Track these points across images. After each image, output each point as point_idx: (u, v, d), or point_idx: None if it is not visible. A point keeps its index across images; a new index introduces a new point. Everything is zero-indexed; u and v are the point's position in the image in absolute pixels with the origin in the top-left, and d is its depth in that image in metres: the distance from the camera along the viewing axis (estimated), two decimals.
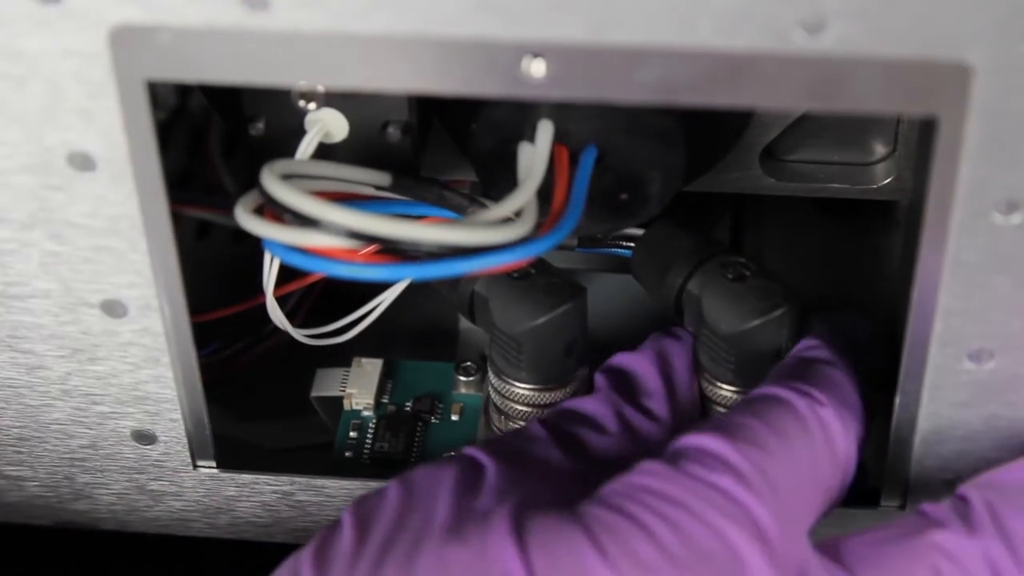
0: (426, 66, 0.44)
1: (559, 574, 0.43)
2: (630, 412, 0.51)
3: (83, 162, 0.47)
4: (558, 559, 0.43)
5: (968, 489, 0.48)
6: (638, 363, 0.53)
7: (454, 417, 0.58)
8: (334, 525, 0.46)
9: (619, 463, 0.47)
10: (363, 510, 0.46)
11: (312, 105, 0.51)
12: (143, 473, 0.56)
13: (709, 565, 0.43)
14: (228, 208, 0.50)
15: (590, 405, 0.51)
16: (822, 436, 0.48)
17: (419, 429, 0.58)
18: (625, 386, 0.53)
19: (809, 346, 0.52)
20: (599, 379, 0.53)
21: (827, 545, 0.47)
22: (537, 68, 0.43)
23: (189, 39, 0.44)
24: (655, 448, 0.48)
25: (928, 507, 0.48)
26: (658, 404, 0.52)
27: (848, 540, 0.47)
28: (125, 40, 0.44)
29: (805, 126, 0.54)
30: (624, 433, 0.51)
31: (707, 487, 0.45)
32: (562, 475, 0.48)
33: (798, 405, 0.48)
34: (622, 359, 0.54)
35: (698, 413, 0.54)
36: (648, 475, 0.45)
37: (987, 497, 0.47)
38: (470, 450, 0.48)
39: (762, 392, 0.49)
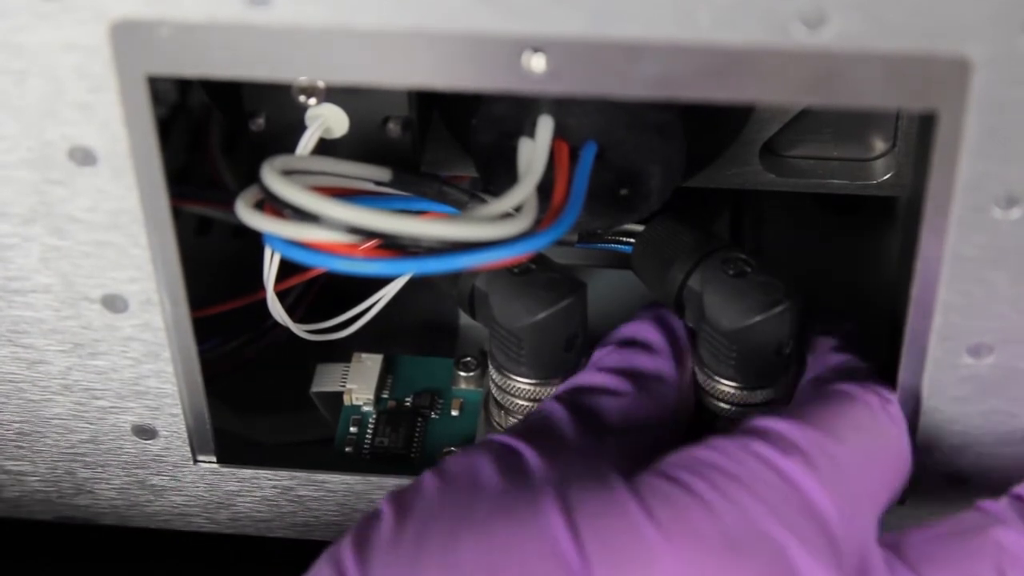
0: (426, 61, 0.44)
1: (609, 540, 0.42)
2: (639, 372, 0.51)
3: (84, 157, 0.47)
4: (607, 524, 0.42)
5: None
6: (638, 328, 0.53)
7: (454, 412, 0.58)
8: (372, 513, 0.46)
9: (641, 423, 0.47)
10: (401, 497, 0.46)
11: (312, 101, 0.51)
12: (144, 468, 0.56)
13: (762, 548, 0.43)
14: (228, 204, 0.50)
15: (599, 377, 0.51)
16: (894, 432, 0.48)
17: (419, 424, 0.58)
18: (629, 351, 0.53)
19: (845, 356, 0.52)
20: (599, 351, 0.53)
21: (887, 541, 0.47)
22: (537, 62, 0.43)
23: (190, 33, 0.44)
24: (671, 403, 0.48)
25: (987, 504, 0.48)
26: (665, 361, 0.52)
27: (909, 536, 0.47)
28: (126, 34, 0.44)
29: (805, 122, 0.55)
30: (639, 392, 0.51)
31: (772, 470, 0.44)
32: (591, 449, 0.47)
33: (870, 400, 0.48)
34: (622, 330, 0.54)
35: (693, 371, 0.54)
36: (713, 450, 0.45)
37: None
38: (498, 437, 0.48)
39: (833, 388, 0.49)
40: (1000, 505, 0.47)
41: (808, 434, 0.45)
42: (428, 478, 0.47)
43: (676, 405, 0.52)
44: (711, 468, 0.44)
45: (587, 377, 0.52)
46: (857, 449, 0.46)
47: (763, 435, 0.46)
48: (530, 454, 0.47)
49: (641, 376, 0.51)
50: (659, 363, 0.52)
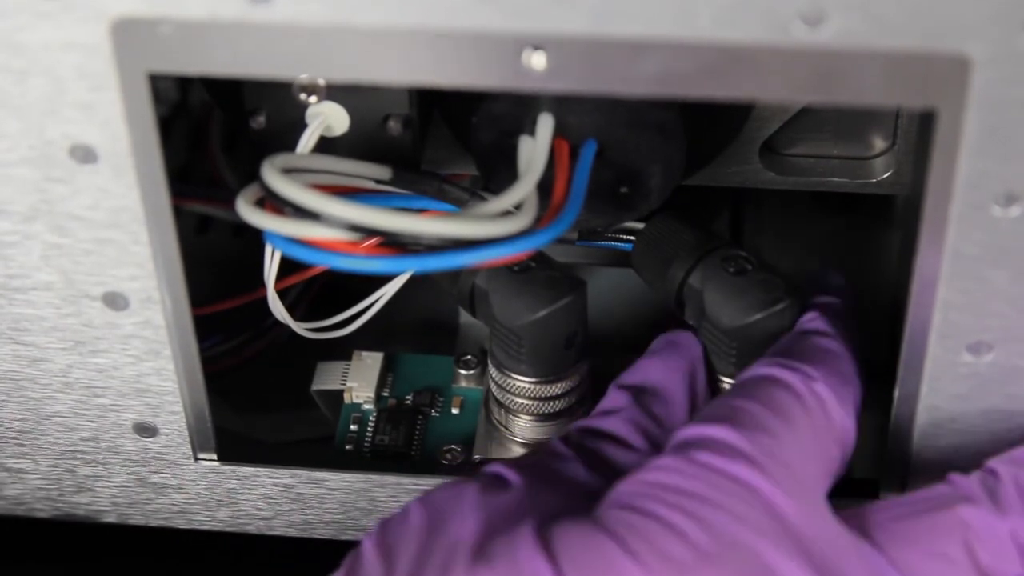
0: (427, 59, 0.44)
1: None
2: (653, 427, 0.51)
3: (85, 155, 0.47)
4: (589, 567, 0.42)
5: (998, 464, 0.48)
6: (663, 376, 0.52)
7: (454, 410, 0.58)
8: (357, 555, 0.45)
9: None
10: (386, 538, 0.45)
11: (313, 99, 0.51)
12: (144, 466, 0.56)
13: (736, 555, 0.43)
14: (229, 202, 0.50)
15: (612, 423, 0.51)
16: (820, 411, 0.47)
17: (419, 422, 0.58)
18: (647, 401, 0.52)
19: (807, 319, 0.51)
20: (620, 395, 0.52)
21: (852, 516, 0.46)
22: (538, 60, 0.44)
23: (191, 31, 0.44)
24: None
25: (957, 478, 0.47)
26: (680, 417, 0.51)
27: (874, 512, 0.47)
28: (127, 32, 0.44)
29: (804, 120, 0.55)
30: (648, 449, 0.50)
31: (724, 477, 0.44)
32: (588, 492, 0.47)
33: (793, 382, 0.48)
34: (646, 372, 0.52)
35: None
36: (662, 471, 0.45)
37: (1017, 474, 0.47)
38: (494, 467, 0.48)
39: (755, 374, 0.49)
40: (970, 480, 0.47)
41: (746, 436, 0.45)
42: (414, 512, 0.46)
43: None
44: (666, 490, 0.44)
45: (600, 422, 0.51)
46: (792, 437, 0.46)
47: (703, 445, 0.45)
48: (519, 486, 0.47)
49: (655, 430, 0.51)
50: (676, 417, 0.51)
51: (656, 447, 0.50)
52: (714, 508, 0.44)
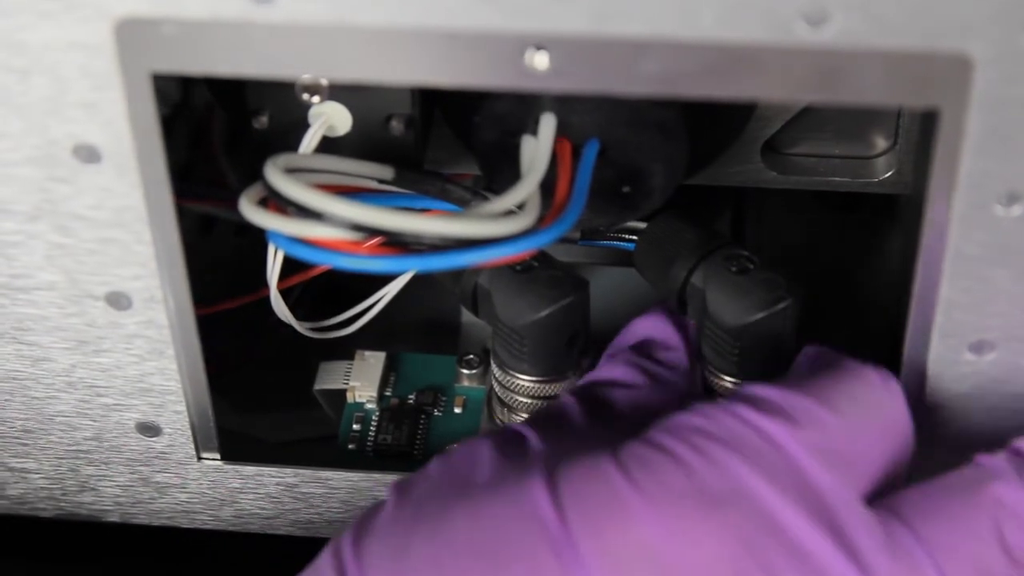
0: (429, 58, 0.44)
1: (588, 501, 0.43)
2: (653, 366, 0.52)
3: (88, 154, 0.47)
4: (586, 488, 0.43)
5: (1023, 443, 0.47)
6: (652, 324, 0.53)
7: (457, 410, 0.58)
8: (377, 504, 0.46)
9: (653, 411, 0.47)
10: (405, 484, 0.46)
11: (316, 98, 0.51)
12: (147, 465, 0.56)
13: (741, 502, 0.43)
14: (231, 202, 0.50)
15: (614, 371, 0.52)
16: (893, 407, 0.47)
17: (422, 421, 0.58)
18: (644, 346, 0.53)
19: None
20: (616, 348, 0.53)
21: (883, 501, 0.46)
22: (540, 60, 0.44)
23: (194, 31, 0.44)
24: (685, 393, 0.49)
25: (984, 458, 0.47)
26: (677, 355, 0.52)
27: (903, 493, 0.46)
28: (130, 32, 0.44)
29: (806, 119, 0.55)
30: (652, 384, 0.51)
31: (751, 428, 0.44)
32: (599, 437, 0.48)
33: (869, 375, 0.48)
34: (636, 326, 0.54)
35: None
36: (696, 414, 0.45)
37: None
38: (509, 426, 0.49)
39: (833, 359, 0.49)
40: (998, 460, 0.47)
41: (797, 399, 0.45)
42: (433, 464, 0.47)
43: (687, 393, 0.52)
44: (692, 431, 0.45)
45: (602, 372, 0.52)
46: (850, 419, 0.46)
47: (750, 400, 0.46)
48: (532, 437, 0.47)
49: (655, 368, 0.52)
50: (673, 355, 0.52)
51: (660, 383, 0.51)
52: (729, 452, 0.44)
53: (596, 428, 0.49)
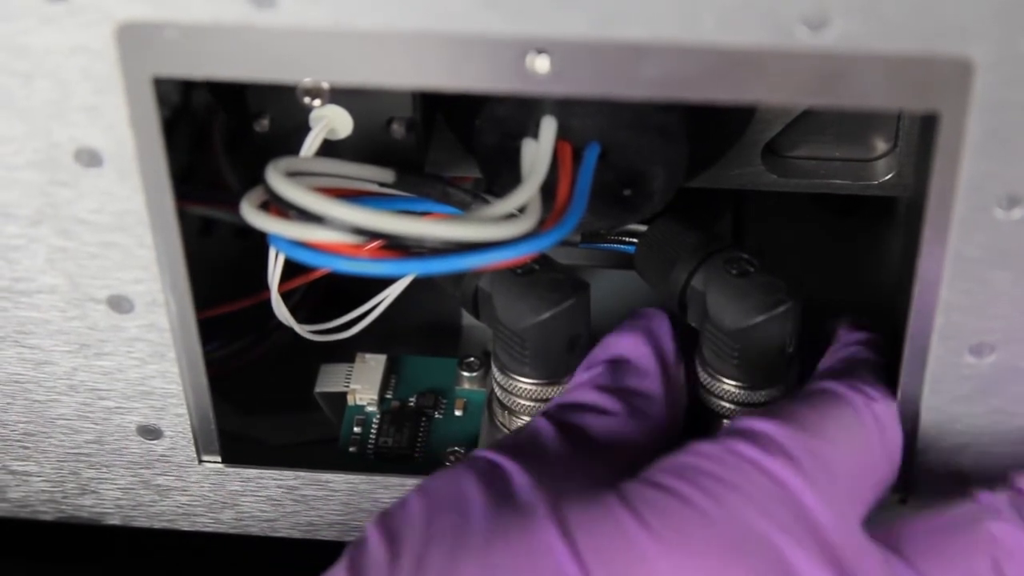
0: (431, 62, 0.44)
1: (606, 553, 0.42)
2: (627, 394, 0.51)
3: (90, 158, 0.47)
4: (603, 538, 0.43)
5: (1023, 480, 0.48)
6: (626, 345, 0.53)
7: (457, 412, 0.58)
8: (360, 542, 0.45)
9: (630, 441, 0.47)
10: (388, 522, 0.45)
11: (317, 102, 0.51)
12: (149, 468, 0.56)
13: (754, 546, 0.43)
14: (232, 205, 0.50)
15: (587, 395, 0.51)
16: (876, 429, 0.48)
17: (423, 424, 0.58)
18: (618, 371, 0.52)
19: (853, 345, 0.52)
20: (590, 368, 0.53)
21: (881, 529, 0.47)
22: (541, 64, 0.44)
23: (196, 35, 0.44)
24: (661, 422, 0.48)
25: (985, 496, 0.47)
26: (653, 380, 0.52)
27: (904, 527, 0.47)
28: (132, 36, 0.44)
29: (807, 122, 0.55)
30: (628, 412, 0.51)
31: (756, 469, 0.44)
32: (577, 465, 0.48)
33: (853, 399, 0.48)
34: (613, 346, 0.53)
35: (685, 385, 0.54)
36: (696, 455, 0.45)
37: None
38: (482, 452, 0.48)
39: (817, 387, 0.49)
40: (998, 498, 0.47)
41: (791, 434, 0.46)
42: (413, 500, 0.46)
43: (665, 422, 0.52)
44: (697, 472, 0.44)
45: (575, 395, 0.52)
46: (841, 448, 0.46)
47: (746, 436, 0.46)
48: (515, 470, 0.47)
49: (630, 395, 0.51)
50: (647, 383, 0.52)
51: (635, 412, 0.51)
52: (740, 496, 0.44)
53: (576, 458, 0.48)
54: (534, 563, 0.43)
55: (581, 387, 0.52)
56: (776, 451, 0.45)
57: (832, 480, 0.45)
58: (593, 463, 0.48)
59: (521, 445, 0.49)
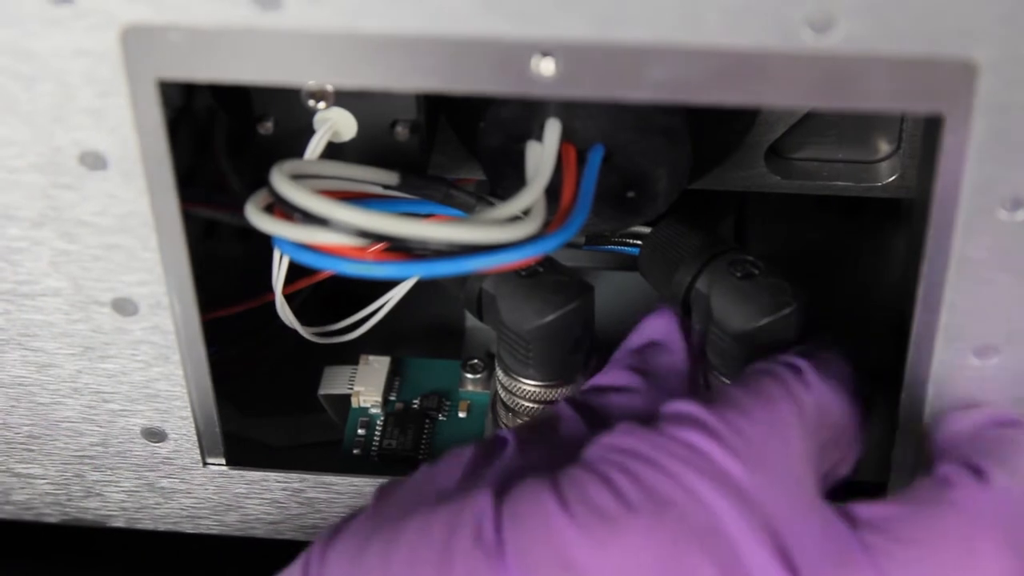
0: (436, 65, 0.44)
1: (524, 520, 0.44)
2: (652, 368, 0.52)
3: (94, 161, 0.47)
4: (523, 508, 0.44)
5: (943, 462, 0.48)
6: (655, 326, 0.54)
7: (461, 414, 0.58)
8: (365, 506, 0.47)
9: (645, 417, 0.47)
10: (386, 488, 0.47)
11: (321, 104, 0.51)
12: (153, 470, 0.56)
13: (669, 510, 0.44)
14: (235, 207, 0.50)
15: (611, 376, 0.52)
16: (806, 397, 0.47)
17: (427, 426, 0.58)
18: (646, 352, 0.53)
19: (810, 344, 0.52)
20: (619, 354, 0.53)
21: (843, 506, 0.46)
22: (546, 67, 0.44)
23: (200, 38, 0.44)
24: (682, 395, 0.49)
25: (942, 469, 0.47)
26: (677, 358, 0.53)
27: (868, 503, 0.46)
28: (136, 39, 0.44)
29: (810, 124, 0.55)
30: (647, 388, 0.51)
31: (674, 442, 0.45)
32: (581, 443, 0.48)
33: (777, 370, 0.48)
34: (645, 328, 0.54)
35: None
36: (622, 434, 0.46)
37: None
38: (499, 431, 0.49)
39: (748, 369, 0.49)
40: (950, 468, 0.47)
41: (712, 410, 0.46)
42: (419, 471, 0.48)
43: (685, 394, 0.52)
44: (616, 450, 0.45)
45: (601, 378, 0.52)
46: (765, 415, 0.46)
47: (671, 417, 0.46)
48: (512, 448, 0.48)
49: (653, 374, 0.52)
50: (671, 359, 0.52)
51: (657, 388, 0.51)
52: (655, 468, 0.44)
53: (587, 437, 0.49)
54: (459, 522, 0.44)
55: (606, 370, 0.53)
56: (697, 426, 0.45)
57: (758, 448, 0.45)
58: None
59: (534, 425, 0.50)
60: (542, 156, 0.50)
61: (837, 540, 0.45)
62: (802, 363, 0.48)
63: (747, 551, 0.44)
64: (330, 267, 0.48)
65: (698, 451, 0.45)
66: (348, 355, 0.59)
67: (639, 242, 0.56)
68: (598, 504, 0.44)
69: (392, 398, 0.59)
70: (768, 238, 0.63)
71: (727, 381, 0.53)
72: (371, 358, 0.59)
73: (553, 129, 0.50)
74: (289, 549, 0.58)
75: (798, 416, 0.47)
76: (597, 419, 0.50)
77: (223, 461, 0.56)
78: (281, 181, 0.47)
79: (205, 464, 0.56)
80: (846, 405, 0.49)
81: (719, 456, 0.45)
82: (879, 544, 0.45)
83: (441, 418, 0.58)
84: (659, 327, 0.54)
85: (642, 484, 0.44)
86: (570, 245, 0.54)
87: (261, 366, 0.60)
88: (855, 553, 0.45)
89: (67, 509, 0.58)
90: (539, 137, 0.50)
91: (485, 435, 0.57)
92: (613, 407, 0.51)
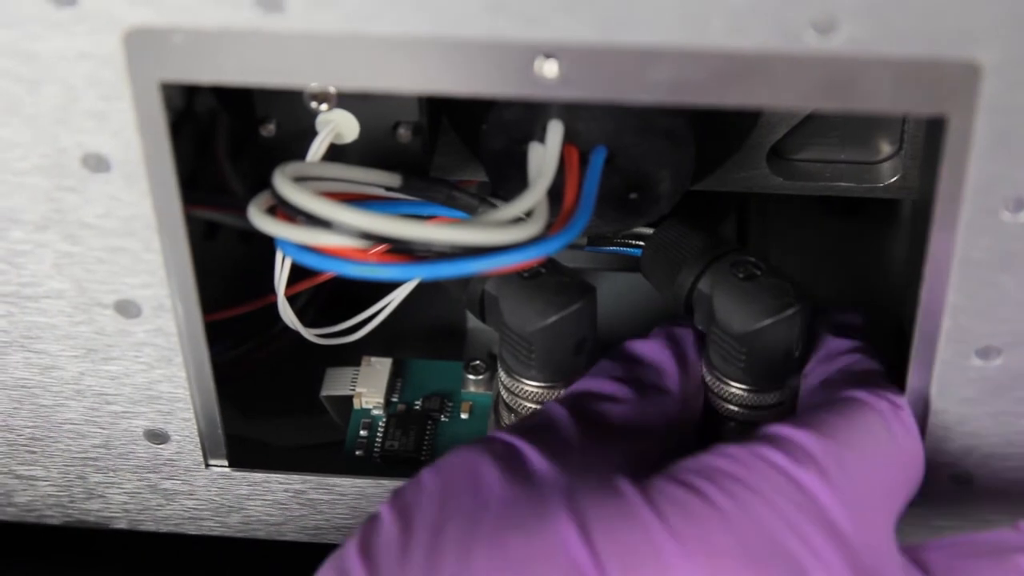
0: (439, 67, 0.44)
1: (623, 549, 0.42)
2: (642, 385, 0.51)
3: (97, 163, 0.47)
4: (621, 534, 0.42)
5: None
6: (650, 347, 0.53)
7: (464, 415, 0.58)
8: (373, 519, 0.45)
9: (643, 429, 0.47)
10: (401, 501, 0.45)
11: (324, 106, 0.51)
12: (155, 472, 0.56)
13: (777, 559, 0.43)
14: (237, 209, 0.50)
15: (602, 384, 0.51)
16: (906, 439, 0.48)
17: (429, 427, 0.58)
18: (634, 367, 0.53)
19: (847, 354, 0.52)
20: (605, 362, 0.53)
21: (910, 549, 0.46)
22: (550, 69, 0.44)
23: (203, 40, 0.44)
24: (674, 415, 0.49)
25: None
26: (671, 381, 0.52)
27: (933, 547, 0.46)
28: (139, 42, 0.44)
29: (812, 125, 0.55)
30: (641, 400, 0.51)
31: (785, 478, 0.44)
32: (594, 452, 0.47)
33: (880, 406, 0.48)
34: (634, 347, 0.53)
35: (702, 389, 0.54)
36: (725, 457, 0.45)
37: None
38: (498, 434, 0.48)
39: (845, 395, 0.49)
40: None
41: (822, 444, 0.45)
42: (428, 478, 0.46)
43: (679, 416, 0.52)
44: (724, 475, 0.44)
45: (589, 383, 0.52)
46: (870, 459, 0.46)
47: (777, 443, 0.45)
48: (533, 455, 0.47)
49: (644, 386, 0.51)
50: (664, 380, 0.52)
51: (649, 403, 0.51)
52: (769, 507, 0.43)
53: (591, 443, 0.48)
54: (548, 556, 0.42)
55: (595, 377, 0.52)
56: (804, 459, 0.45)
57: (859, 490, 0.45)
58: (608, 449, 0.48)
59: (536, 428, 0.49)
60: (544, 158, 0.50)
61: None
62: (902, 401, 0.49)
63: None
64: (332, 269, 0.48)
65: (807, 492, 0.44)
66: (350, 356, 0.59)
67: (641, 243, 0.56)
68: (716, 544, 0.42)
69: (394, 399, 0.59)
70: (769, 239, 0.63)
71: (730, 383, 0.53)
72: (373, 359, 0.59)
73: (555, 131, 0.50)
74: (291, 550, 0.58)
75: (896, 460, 0.47)
76: (592, 423, 0.50)
77: (225, 462, 0.56)
78: (284, 183, 0.47)
79: (207, 465, 0.56)
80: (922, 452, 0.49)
81: (826, 500, 0.44)
82: None
83: (443, 419, 0.58)
84: (648, 348, 0.53)
85: (759, 525, 0.43)
86: (572, 246, 0.54)
87: (263, 368, 0.60)
88: None
89: (69, 511, 0.58)
90: (541, 139, 0.50)
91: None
92: (608, 416, 0.50)
